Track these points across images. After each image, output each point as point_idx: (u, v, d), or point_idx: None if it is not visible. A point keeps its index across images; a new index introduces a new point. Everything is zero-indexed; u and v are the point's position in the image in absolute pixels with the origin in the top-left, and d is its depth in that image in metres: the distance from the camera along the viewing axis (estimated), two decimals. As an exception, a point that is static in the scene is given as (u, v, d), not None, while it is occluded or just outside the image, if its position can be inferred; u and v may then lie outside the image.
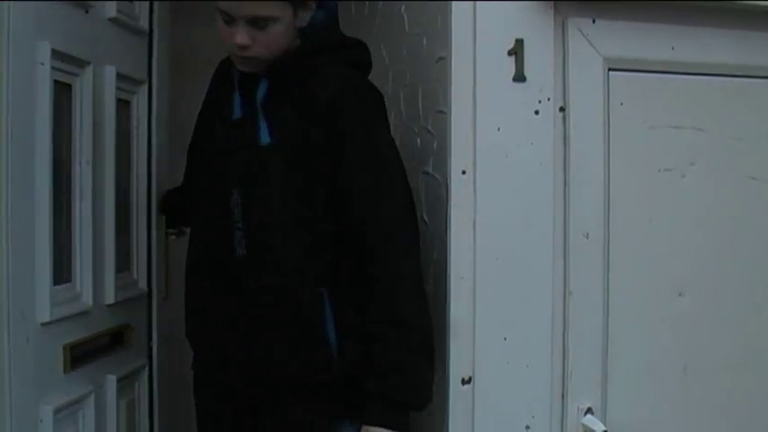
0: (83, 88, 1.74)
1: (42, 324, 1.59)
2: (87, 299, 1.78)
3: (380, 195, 1.55)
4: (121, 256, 1.96)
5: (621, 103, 1.71)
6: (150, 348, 2.12)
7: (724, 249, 1.79)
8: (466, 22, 1.64)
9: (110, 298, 1.88)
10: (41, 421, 1.57)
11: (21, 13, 1.48)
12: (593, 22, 1.68)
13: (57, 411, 1.61)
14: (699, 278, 1.77)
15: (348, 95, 1.55)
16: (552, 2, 1.65)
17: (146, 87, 2.08)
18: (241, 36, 1.49)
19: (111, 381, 1.88)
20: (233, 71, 1.61)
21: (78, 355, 1.74)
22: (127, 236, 2.01)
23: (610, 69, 1.70)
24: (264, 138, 1.55)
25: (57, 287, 1.65)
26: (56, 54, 1.59)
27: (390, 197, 1.56)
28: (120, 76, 1.88)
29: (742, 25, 1.75)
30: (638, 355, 1.74)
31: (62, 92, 1.66)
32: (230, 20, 1.50)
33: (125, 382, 1.98)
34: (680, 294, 1.76)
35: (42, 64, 1.55)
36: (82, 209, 1.75)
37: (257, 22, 1.49)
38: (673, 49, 1.73)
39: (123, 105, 1.97)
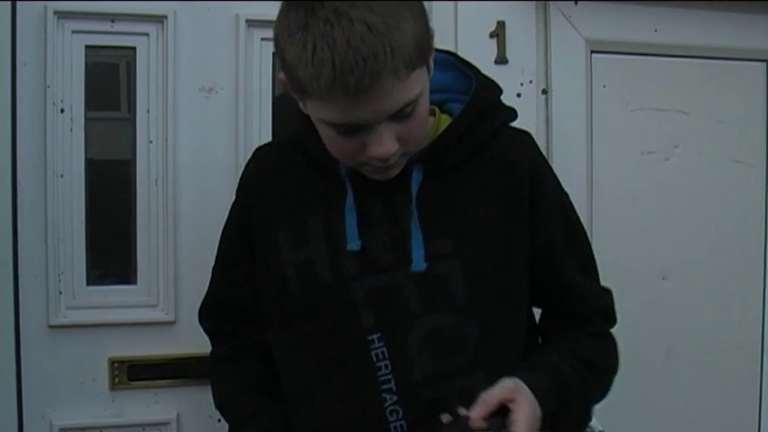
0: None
1: (52, 327, 1.53)
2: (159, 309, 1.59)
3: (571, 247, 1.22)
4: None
5: (604, 86, 1.70)
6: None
7: (707, 233, 1.78)
8: (447, 4, 1.62)
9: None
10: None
11: None
12: (575, 3, 1.66)
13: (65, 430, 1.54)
14: (682, 262, 1.76)
15: (538, 153, 1.23)
16: (534, -17, 1.64)
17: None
18: (389, 142, 1.02)
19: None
20: (341, 174, 1.13)
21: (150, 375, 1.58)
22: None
23: (592, 51, 1.69)
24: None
25: (100, 287, 1.57)
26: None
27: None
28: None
29: (725, 7, 1.74)
30: (620, 338, 1.72)
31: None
32: (358, 128, 1.02)
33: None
34: (663, 278, 1.76)
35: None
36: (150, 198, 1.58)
37: (402, 112, 1.02)
38: (656, 30, 1.71)
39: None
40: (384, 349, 1.09)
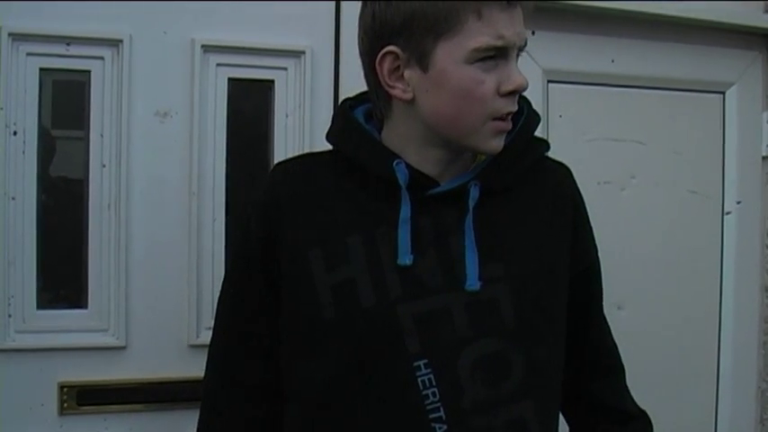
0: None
1: (1, 351, 1.50)
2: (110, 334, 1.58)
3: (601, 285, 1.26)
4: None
5: (560, 116, 1.71)
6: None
7: (663, 263, 1.79)
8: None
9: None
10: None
11: None
12: (533, 33, 1.67)
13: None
14: (638, 292, 1.77)
15: (577, 185, 1.21)
16: (492, 13, 1.65)
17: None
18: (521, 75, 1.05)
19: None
20: (396, 178, 1.06)
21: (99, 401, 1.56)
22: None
23: (549, 81, 1.70)
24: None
25: (51, 311, 1.55)
26: None
27: None
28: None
29: (682, 39, 1.76)
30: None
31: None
32: (503, 53, 1.03)
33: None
34: (619, 308, 1.76)
35: None
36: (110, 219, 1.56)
37: (520, 51, 1.06)
38: (613, 61, 1.73)
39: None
40: (431, 376, 1.03)
